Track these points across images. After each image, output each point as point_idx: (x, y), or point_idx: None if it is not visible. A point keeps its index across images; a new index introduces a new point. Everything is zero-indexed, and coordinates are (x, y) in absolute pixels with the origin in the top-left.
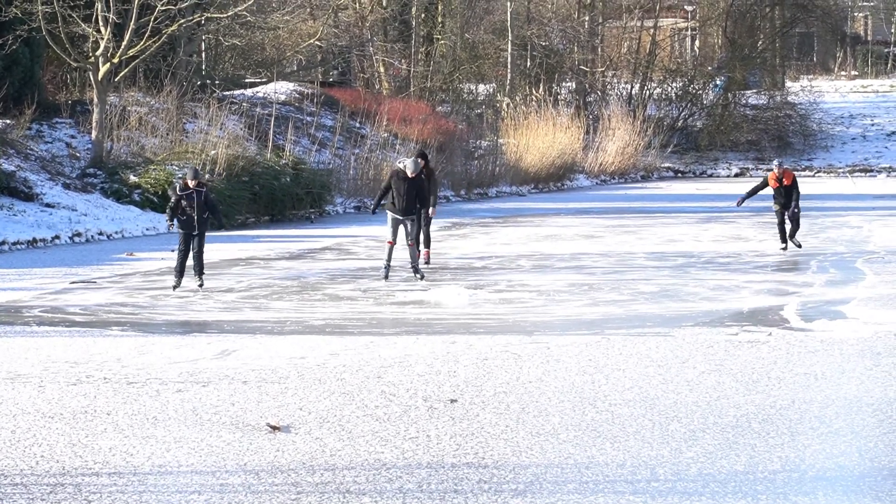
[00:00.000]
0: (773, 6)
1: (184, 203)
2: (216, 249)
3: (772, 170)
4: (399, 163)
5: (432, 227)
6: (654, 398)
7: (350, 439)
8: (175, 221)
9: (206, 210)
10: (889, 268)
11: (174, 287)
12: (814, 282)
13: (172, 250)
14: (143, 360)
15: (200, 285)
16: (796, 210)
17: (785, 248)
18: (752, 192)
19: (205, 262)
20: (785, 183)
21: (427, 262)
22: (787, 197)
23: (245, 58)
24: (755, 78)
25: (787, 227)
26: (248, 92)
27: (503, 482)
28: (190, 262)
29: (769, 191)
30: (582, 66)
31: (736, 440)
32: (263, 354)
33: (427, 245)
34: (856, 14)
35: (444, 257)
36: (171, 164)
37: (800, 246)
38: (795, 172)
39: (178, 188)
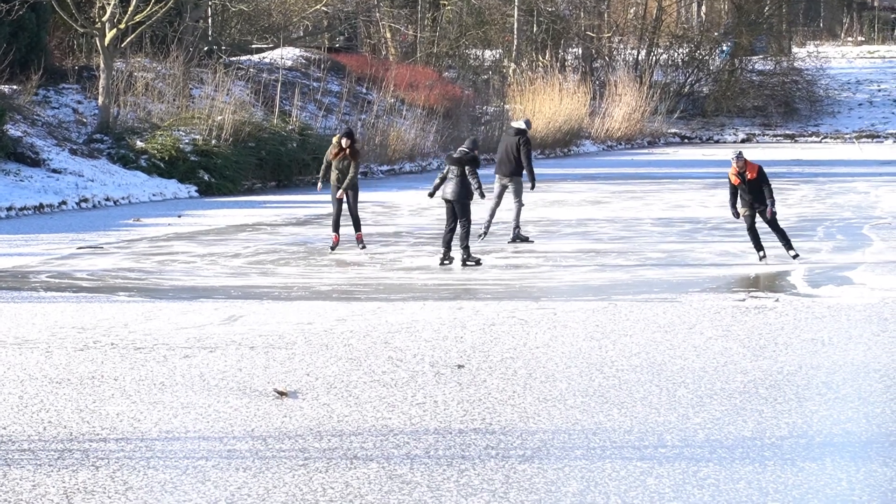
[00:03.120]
0: None
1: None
2: (223, 215)
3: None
4: (513, 124)
5: (437, 194)
6: (661, 364)
7: (357, 405)
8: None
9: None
10: None
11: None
12: (821, 248)
13: (178, 216)
14: (151, 325)
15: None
16: (773, 211)
17: (763, 258)
18: (733, 200)
19: (217, 227)
20: (749, 177)
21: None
22: (756, 195)
23: (251, 23)
24: (761, 44)
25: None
26: (255, 58)
27: (510, 448)
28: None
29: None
30: (588, 32)
31: (743, 406)
32: (270, 320)
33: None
34: None
35: None
36: (178, 130)
37: (797, 256)
38: (802, 138)
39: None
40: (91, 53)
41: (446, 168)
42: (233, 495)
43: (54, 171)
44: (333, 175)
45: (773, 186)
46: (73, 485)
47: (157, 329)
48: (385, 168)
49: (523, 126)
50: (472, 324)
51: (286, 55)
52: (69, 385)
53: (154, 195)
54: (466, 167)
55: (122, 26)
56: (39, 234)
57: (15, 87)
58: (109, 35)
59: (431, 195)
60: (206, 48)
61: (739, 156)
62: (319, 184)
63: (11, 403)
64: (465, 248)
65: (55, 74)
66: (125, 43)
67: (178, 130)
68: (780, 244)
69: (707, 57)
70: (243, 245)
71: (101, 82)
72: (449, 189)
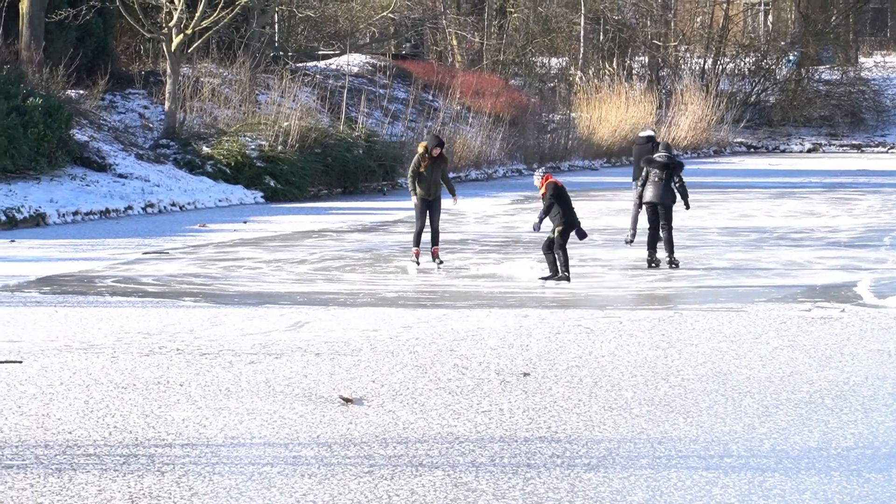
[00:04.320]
0: None
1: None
2: (289, 221)
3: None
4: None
5: (503, 202)
6: (726, 373)
7: (423, 412)
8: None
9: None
10: None
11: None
12: (887, 258)
13: (244, 222)
14: (216, 331)
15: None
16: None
17: (565, 279)
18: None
19: (283, 233)
20: (541, 193)
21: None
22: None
23: (318, 30)
24: (828, 53)
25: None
26: (321, 64)
27: (576, 456)
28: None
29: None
30: (654, 41)
31: (809, 416)
32: (336, 326)
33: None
34: None
35: (517, 231)
36: (244, 136)
37: (552, 279)
38: (869, 149)
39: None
40: (157, 58)
41: (645, 171)
42: (298, 502)
43: (120, 175)
44: (423, 186)
45: (840, 196)
46: (139, 490)
47: (223, 335)
48: (451, 175)
49: (652, 133)
50: (538, 332)
51: (352, 61)
52: (135, 390)
53: (220, 201)
54: (673, 172)
55: (188, 32)
56: (105, 239)
57: (81, 91)
58: (176, 40)
59: (641, 199)
60: (272, 54)
61: (541, 170)
62: (413, 195)
63: (77, 408)
64: (671, 250)
65: (121, 79)
66: (192, 48)
67: (245, 136)
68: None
69: (773, 66)
70: (309, 251)
71: (168, 87)
72: (654, 192)
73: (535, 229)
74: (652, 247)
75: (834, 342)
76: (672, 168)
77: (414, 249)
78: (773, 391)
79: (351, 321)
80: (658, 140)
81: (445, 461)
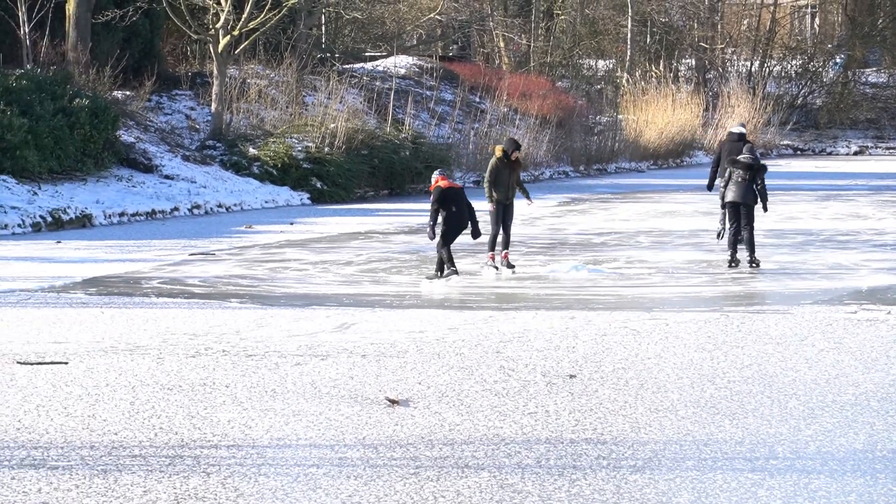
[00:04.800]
0: None
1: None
2: (335, 223)
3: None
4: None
5: (550, 203)
6: (772, 375)
7: (469, 414)
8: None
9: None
10: None
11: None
12: None
13: (291, 223)
14: (262, 332)
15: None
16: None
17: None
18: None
19: (329, 234)
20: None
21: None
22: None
23: (365, 31)
24: (875, 56)
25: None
26: (368, 65)
27: (622, 458)
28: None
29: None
30: (701, 43)
31: (855, 418)
32: (382, 328)
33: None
34: None
35: (564, 233)
36: (291, 137)
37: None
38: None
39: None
40: (204, 60)
41: (728, 171)
42: (344, 503)
43: (167, 177)
44: (501, 190)
45: (886, 199)
46: (184, 491)
47: (269, 336)
48: None
49: (744, 130)
50: (584, 334)
51: (399, 63)
52: (180, 391)
53: (266, 202)
54: (756, 173)
55: (235, 33)
56: (151, 241)
57: (128, 92)
58: (223, 42)
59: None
60: (319, 55)
61: (440, 172)
62: (490, 201)
63: (123, 409)
64: (752, 249)
65: (168, 80)
66: (238, 50)
67: (291, 138)
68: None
69: (820, 69)
70: (355, 253)
71: (214, 89)
72: (736, 192)
73: (429, 238)
74: (733, 246)
75: (880, 344)
76: (756, 170)
77: (490, 254)
78: (819, 393)
79: (397, 323)
80: (748, 140)
81: (491, 463)
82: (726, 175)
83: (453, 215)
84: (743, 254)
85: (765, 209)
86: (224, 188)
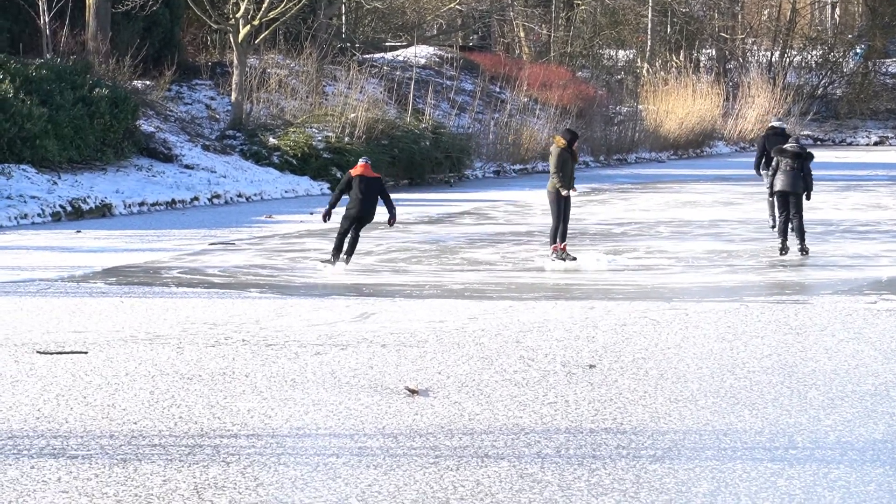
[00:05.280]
0: None
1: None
2: None
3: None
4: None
5: (570, 193)
6: (792, 365)
7: (489, 403)
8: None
9: None
10: None
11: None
12: None
13: (311, 213)
14: (282, 322)
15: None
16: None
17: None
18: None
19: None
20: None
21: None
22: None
23: (385, 21)
24: (895, 46)
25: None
26: (388, 55)
27: (641, 448)
28: None
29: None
30: (722, 33)
31: (874, 408)
32: (402, 318)
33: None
34: None
35: (583, 223)
36: (311, 127)
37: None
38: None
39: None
40: (224, 50)
41: (776, 161)
42: (363, 492)
43: (186, 166)
44: (564, 180)
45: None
46: (204, 480)
47: (289, 326)
48: (518, 167)
49: (785, 125)
50: (604, 323)
51: (419, 53)
52: (200, 381)
53: (286, 192)
54: (804, 161)
55: (255, 23)
56: (171, 230)
57: (148, 82)
58: (243, 31)
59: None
60: (339, 45)
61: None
62: (564, 189)
63: (143, 399)
64: (802, 237)
65: (188, 70)
66: (259, 39)
67: (311, 127)
68: None
69: (841, 59)
70: (375, 243)
71: (235, 78)
72: (785, 181)
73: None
74: (783, 234)
75: None
76: (804, 158)
77: (558, 245)
78: (839, 383)
79: (417, 312)
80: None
81: (511, 452)
82: (773, 165)
83: (354, 203)
84: (792, 241)
85: (807, 197)
86: (244, 178)
